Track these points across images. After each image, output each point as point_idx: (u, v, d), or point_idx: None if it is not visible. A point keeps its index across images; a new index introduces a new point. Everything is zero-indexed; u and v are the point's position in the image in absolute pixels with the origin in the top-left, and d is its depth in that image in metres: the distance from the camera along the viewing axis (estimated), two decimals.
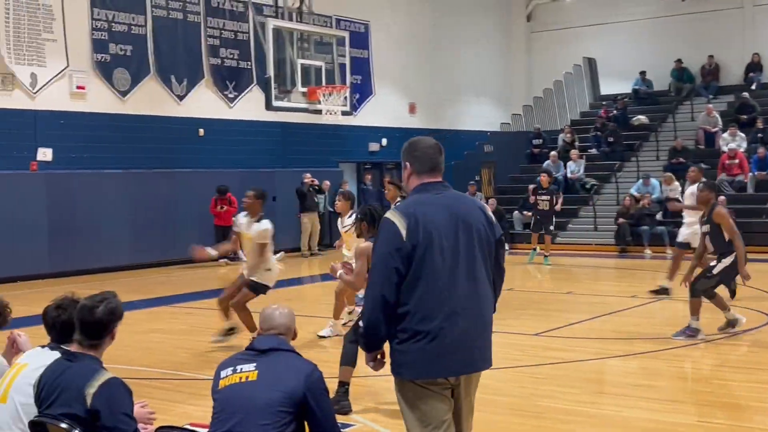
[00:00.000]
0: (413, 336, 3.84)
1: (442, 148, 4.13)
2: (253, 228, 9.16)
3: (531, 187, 18.56)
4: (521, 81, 28.35)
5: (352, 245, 9.05)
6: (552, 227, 17.66)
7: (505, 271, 4.21)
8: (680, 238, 12.69)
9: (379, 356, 4.03)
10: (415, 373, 3.88)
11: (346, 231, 9.68)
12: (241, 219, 9.41)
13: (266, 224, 9.16)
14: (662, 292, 12.40)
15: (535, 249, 17.58)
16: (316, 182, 20.26)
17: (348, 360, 6.73)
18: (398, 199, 10.37)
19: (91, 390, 3.67)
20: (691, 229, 12.15)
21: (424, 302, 3.82)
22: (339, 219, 10.02)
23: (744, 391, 7.22)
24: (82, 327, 3.90)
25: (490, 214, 4.14)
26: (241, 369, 3.83)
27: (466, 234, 3.92)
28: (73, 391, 3.70)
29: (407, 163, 4.11)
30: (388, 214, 3.95)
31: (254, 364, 3.83)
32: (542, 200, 17.40)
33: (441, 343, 3.84)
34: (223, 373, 3.89)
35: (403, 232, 3.81)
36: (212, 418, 3.84)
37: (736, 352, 8.73)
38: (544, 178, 17.80)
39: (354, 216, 8.96)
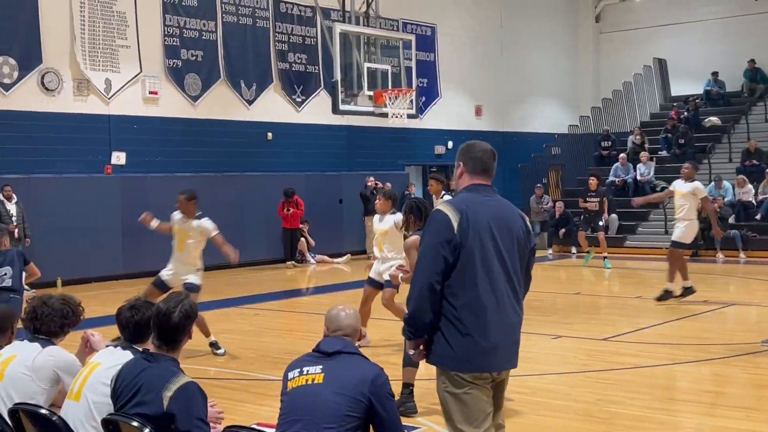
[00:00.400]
0: (463, 329, 3.95)
1: (496, 154, 4.29)
2: (193, 224, 9.25)
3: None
4: (589, 82, 27.99)
5: (393, 244, 9.04)
6: (602, 223, 17.44)
7: (531, 279, 4.36)
8: (675, 237, 12.48)
9: (421, 347, 4.11)
10: (465, 366, 3.98)
11: (386, 230, 9.32)
12: (177, 216, 9.53)
13: (207, 222, 9.37)
14: (665, 296, 12.03)
15: (589, 252, 17.52)
16: (380, 185, 20.29)
17: (411, 361, 6.71)
18: (443, 193, 10.37)
19: (168, 393, 3.73)
20: (683, 226, 12.22)
21: (475, 297, 3.95)
22: (376, 218, 9.58)
23: None
24: (160, 333, 3.97)
25: (529, 223, 4.31)
26: (308, 371, 3.84)
27: (508, 237, 4.09)
28: (151, 392, 3.77)
29: (461, 163, 4.27)
30: (441, 207, 4.08)
31: (321, 367, 3.83)
32: (591, 202, 17.43)
33: (489, 338, 3.97)
34: (290, 375, 3.90)
35: (455, 225, 3.96)
36: (278, 419, 3.87)
37: None
38: (592, 181, 17.78)
39: (396, 215, 8.91)
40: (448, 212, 4.01)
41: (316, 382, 3.79)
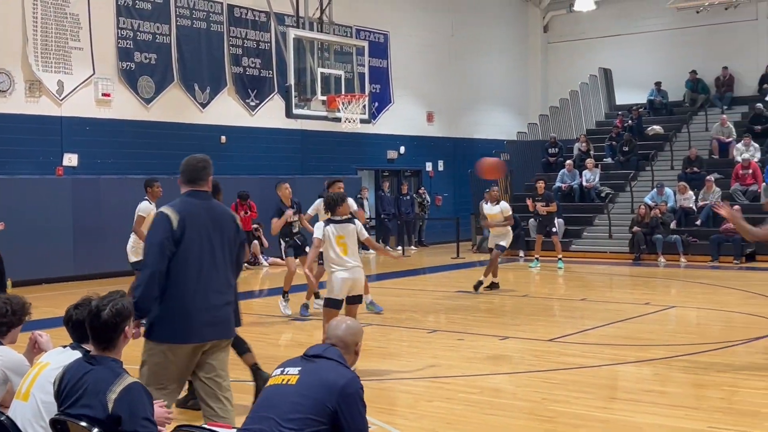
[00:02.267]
0: (170, 308, 4.88)
1: (208, 165, 5.22)
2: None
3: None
4: (537, 91, 28.32)
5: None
6: (555, 229, 17.78)
7: (242, 268, 5.47)
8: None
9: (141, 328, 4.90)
10: (164, 337, 4.90)
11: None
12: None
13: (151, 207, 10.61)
14: (478, 285, 13.83)
15: (537, 259, 17.84)
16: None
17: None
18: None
19: (112, 395, 3.67)
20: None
21: (185, 280, 4.87)
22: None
23: (756, 397, 7.15)
24: (92, 332, 3.89)
25: (239, 222, 5.31)
26: (288, 371, 3.88)
27: (219, 234, 5.05)
28: (94, 395, 3.70)
29: (180, 175, 5.16)
30: (163, 209, 5.00)
31: (300, 369, 3.86)
32: (540, 206, 17.73)
33: (190, 317, 4.91)
34: (274, 372, 3.96)
35: (175, 223, 4.88)
36: (249, 411, 3.89)
37: (748, 359, 8.65)
38: (540, 185, 18.18)
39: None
40: (170, 213, 4.93)
41: (289, 382, 3.81)
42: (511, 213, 14.55)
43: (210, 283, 4.95)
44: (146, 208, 10.96)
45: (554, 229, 17.73)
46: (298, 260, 11.65)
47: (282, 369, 3.91)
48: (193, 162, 5.20)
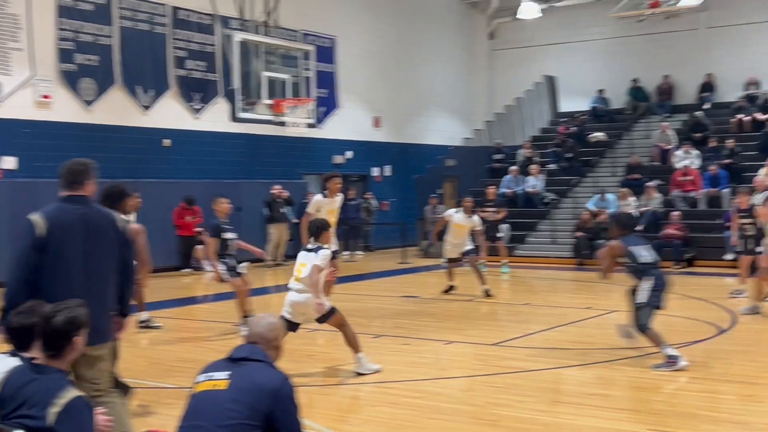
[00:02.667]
0: None
1: (88, 169, 5.15)
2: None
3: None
4: (483, 97, 28.56)
5: None
6: (501, 234, 17.92)
7: (131, 268, 5.32)
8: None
9: None
10: None
11: None
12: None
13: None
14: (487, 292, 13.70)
15: (484, 264, 17.69)
16: (285, 194, 20.25)
17: None
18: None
19: (55, 408, 3.59)
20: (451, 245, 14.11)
21: (51, 284, 4.72)
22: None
23: (694, 400, 7.30)
24: (44, 338, 3.82)
25: (121, 224, 5.20)
26: (215, 376, 3.82)
27: (94, 239, 4.94)
28: (36, 405, 3.61)
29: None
30: (30, 215, 4.92)
31: (228, 373, 3.81)
32: (489, 211, 17.71)
33: None
34: (200, 378, 3.89)
35: (43, 228, 4.81)
36: (181, 420, 3.81)
37: (688, 362, 8.80)
38: (490, 190, 18.23)
39: None
40: (36, 219, 4.86)
41: (219, 388, 3.76)
42: (482, 228, 14.34)
43: (81, 291, 4.70)
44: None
45: (499, 235, 17.89)
46: (240, 280, 10.93)
47: (207, 375, 3.85)
48: (71, 165, 5.13)
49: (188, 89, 19.51)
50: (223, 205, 11.16)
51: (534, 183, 22.12)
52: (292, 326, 8.17)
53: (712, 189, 20.00)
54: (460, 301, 13.88)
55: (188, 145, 19.43)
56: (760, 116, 22.28)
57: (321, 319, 8.24)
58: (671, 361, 8.28)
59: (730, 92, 24.34)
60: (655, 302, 8.52)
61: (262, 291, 14.17)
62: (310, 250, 8.22)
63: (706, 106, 24.07)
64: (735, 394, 7.53)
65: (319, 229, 8.28)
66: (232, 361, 3.86)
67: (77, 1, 17.37)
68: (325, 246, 8.33)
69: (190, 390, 3.90)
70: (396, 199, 24.98)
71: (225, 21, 18.13)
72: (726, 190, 19.76)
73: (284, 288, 15.40)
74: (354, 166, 23.95)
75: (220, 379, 3.78)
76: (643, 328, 8.48)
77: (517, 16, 26.18)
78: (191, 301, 14.60)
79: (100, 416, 4.12)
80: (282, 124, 16.03)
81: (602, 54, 26.55)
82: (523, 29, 27.52)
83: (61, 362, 3.85)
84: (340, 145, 23.43)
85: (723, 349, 9.46)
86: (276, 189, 19.76)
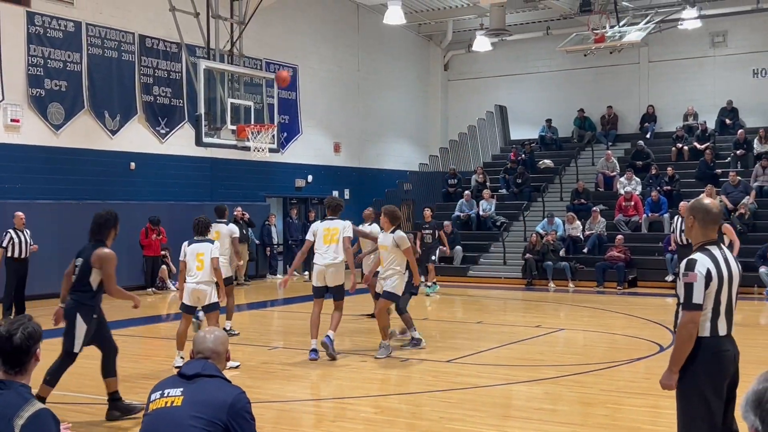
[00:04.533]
0: None
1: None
2: None
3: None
4: (438, 125, 28.78)
5: (394, 258, 9.99)
6: (435, 258, 17.69)
7: None
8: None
9: None
10: None
11: (387, 245, 10.16)
12: None
13: None
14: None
15: (435, 283, 17.71)
16: (247, 216, 20.16)
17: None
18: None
19: (19, 421, 3.51)
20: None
21: None
22: (380, 235, 10.52)
23: (638, 414, 7.38)
24: (3, 356, 3.74)
25: None
26: (168, 393, 3.73)
27: None
28: (2, 419, 3.54)
29: None
30: None
31: (181, 389, 3.73)
32: (426, 233, 17.51)
33: None
34: (153, 396, 3.79)
35: None
36: None
37: (631, 378, 8.93)
38: (427, 213, 17.99)
39: (397, 233, 10.02)
40: None
41: (174, 404, 3.68)
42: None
43: None
44: None
45: (433, 258, 17.59)
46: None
47: (161, 392, 3.78)
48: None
49: (154, 114, 19.38)
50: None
51: (486, 207, 22.29)
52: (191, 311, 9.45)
53: (653, 214, 20.34)
54: (416, 319, 13.88)
55: (154, 168, 19.26)
56: (698, 146, 22.74)
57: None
58: (415, 342, 10.51)
59: (670, 123, 24.86)
60: (410, 290, 10.75)
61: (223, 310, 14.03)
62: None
63: (648, 135, 24.51)
64: (674, 408, 7.62)
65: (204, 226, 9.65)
66: (185, 377, 3.80)
67: (47, 29, 17.19)
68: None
69: (145, 409, 3.82)
70: (355, 222, 24.88)
71: (191, 49, 18.05)
72: (666, 215, 20.12)
73: (245, 307, 15.24)
74: (314, 189, 23.94)
75: (175, 396, 3.72)
76: (402, 311, 10.59)
77: (471, 49, 26.48)
78: (156, 319, 14.42)
79: (65, 430, 4.05)
80: (246, 148, 15.97)
81: (550, 85, 26.96)
82: (476, 61, 27.84)
83: (24, 377, 3.77)
84: (302, 169, 23.41)
85: (664, 366, 9.54)
86: (238, 211, 19.66)
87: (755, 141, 21.85)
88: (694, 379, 4.46)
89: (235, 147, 16.27)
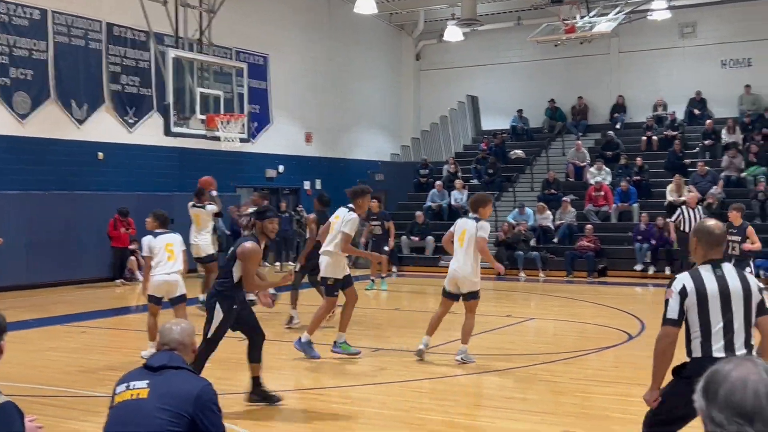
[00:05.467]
0: None
1: None
2: None
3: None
4: (410, 115, 28.78)
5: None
6: (387, 248, 16.48)
7: None
8: None
9: None
10: None
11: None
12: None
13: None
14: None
15: (373, 280, 16.62)
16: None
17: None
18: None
19: None
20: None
21: None
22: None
23: (606, 402, 7.46)
24: None
25: None
26: (134, 386, 3.70)
27: None
28: None
29: None
30: None
31: (147, 382, 3.71)
32: (374, 225, 16.63)
33: None
34: (118, 389, 3.76)
35: None
36: None
37: (600, 367, 9.02)
38: (374, 204, 16.12)
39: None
40: None
41: (140, 397, 3.66)
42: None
43: None
44: None
45: (386, 248, 16.79)
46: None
47: (126, 384, 3.76)
48: None
49: (122, 104, 19.17)
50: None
51: (458, 197, 22.36)
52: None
53: (622, 204, 20.53)
54: (386, 310, 13.93)
55: (122, 158, 19.07)
56: (669, 133, 22.88)
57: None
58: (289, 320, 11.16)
59: (639, 113, 25.08)
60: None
61: (193, 302, 13.97)
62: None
63: (618, 126, 24.71)
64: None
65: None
66: (151, 369, 3.78)
67: (12, 16, 16.92)
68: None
69: (111, 401, 3.78)
70: (326, 212, 24.89)
71: (159, 38, 17.87)
72: (635, 205, 20.33)
73: None
74: (286, 180, 23.85)
75: (141, 389, 3.69)
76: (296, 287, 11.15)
77: (442, 39, 26.49)
78: (124, 311, 14.31)
79: (31, 423, 4.00)
80: (215, 138, 15.87)
81: (521, 76, 27.05)
82: (447, 51, 27.85)
83: None
84: (273, 160, 23.31)
85: (632, 354, 9.69)
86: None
87: (723, 131, 22.11)
88: (685, 387, 4.45)
89: (204, 137, 16.18)
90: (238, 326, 7.27)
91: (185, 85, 15.41)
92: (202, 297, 13.06)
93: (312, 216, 11.66)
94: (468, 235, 8.97)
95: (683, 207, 16.60)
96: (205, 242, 13.00)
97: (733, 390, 1.98)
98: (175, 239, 9.56)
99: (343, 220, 9.26)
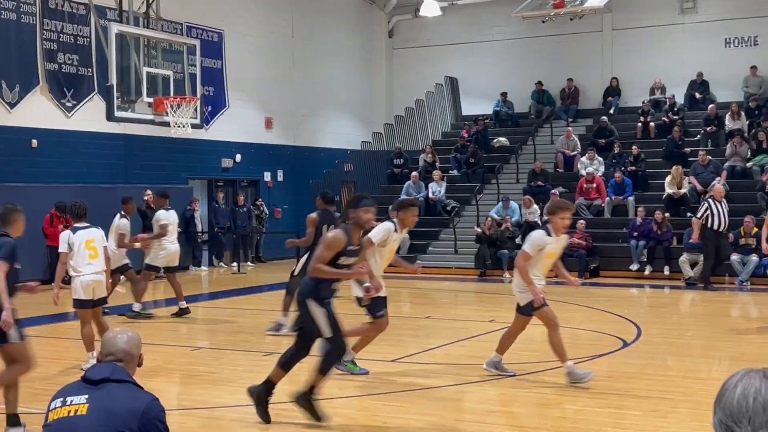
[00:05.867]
0: None
1: None
2: None
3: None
4: (382, 98, 28.78)
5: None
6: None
7: None
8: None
9: None
10: None
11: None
12: None
13: None
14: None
15: None
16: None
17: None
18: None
19: None
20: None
21: None
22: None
23: (599, 416, 7.51)
24: None
25: None
26: (71, 401, 3.66)
27: None
28: None
29: None
30: None
31: (86, 396, 3.66)
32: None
33: None
34: (52, 405, 3.71)
35: None
36: None
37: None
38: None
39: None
40: None
41: (79, 413, 3.62)
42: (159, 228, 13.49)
43: None
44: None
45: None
46: None
47: (62, 399, 3.71)
48: None
49: (59, 85, 18.96)
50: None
51: (435, 189, 22.41)
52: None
53: (616, 197, 20.69)
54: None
55: (59, 147, 18.88)
56: (668, 119, 23.04)
57: None
58: (277, 327, 11.33)
59: (635, 97, 25.28)
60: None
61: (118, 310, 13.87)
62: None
63: (612, 111, 24.89)
64: (639, 409, 7.78)
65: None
66: (90, 383, 3.73)
67: None
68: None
69: (45, 419, 3.74)
70: (289, 206, 24.90)
71: (101, 11, 17.72)
72: (631, 198, 20.48)
73: (168, 302, 15.08)
74: (244, 170, 23.75)
75: (79, 404, 3.65)
76: (291, 292, 10.80)
77: (418, 14, 26.52)
78: (62, 317, 14.16)
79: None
80: (165, 124, 15.78)
81: (506, 55, 27.15)
82: (423, 28, 27.89)
83: None
84: (229, 148, 23.21)
85: (628, 363, 9.78)
86: (147, 195, 19.23)
87: (727, 117, 22.33)
88: None
89: (152, 122, 16.08)
90: (301, 328, 7.27)
91: (130, 64, 15.29)
92: (137, 306, 13.17)
93: (313, 216, 11.43)
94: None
95: (710, 201, 16.68)
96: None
97: (726, 392, 2.20)
98: (96, 234, 9.60)
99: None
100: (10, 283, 6.83)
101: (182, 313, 13.28)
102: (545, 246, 8.61)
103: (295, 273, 11.30)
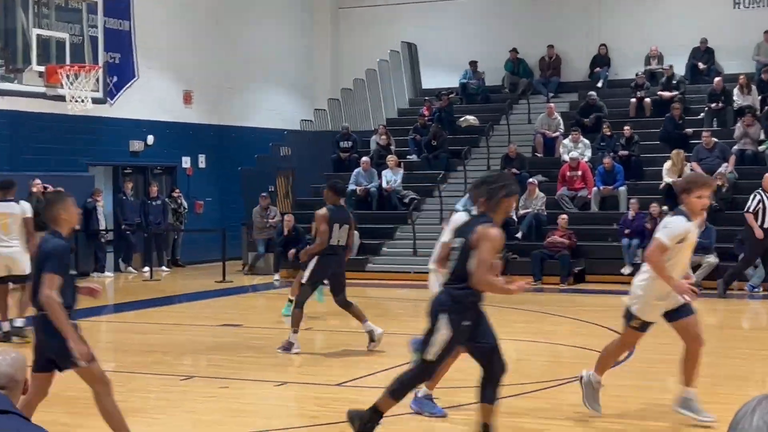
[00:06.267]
0: None
1: None
2: None
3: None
4: (326, 68, 28.72)
5: None
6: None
7: None
8: None
9: None
10: None
11: None
12: None
13: None
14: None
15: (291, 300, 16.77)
16: (50, 188, 19.60)
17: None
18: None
19: None
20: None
21: None
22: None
23: None
24: None
25: None
26: None
27: None
28: None
29: None
30: None
31: None
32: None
33: None
34: None
35: None
36: None
37: (577, 401, 9.10)
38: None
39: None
40: None
41: None
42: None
43: None
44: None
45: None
46: None
47: None
48: None
49: None
50: None
51: (391, 178, 22.41)
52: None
53: (605, 187, 20.82)
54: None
55: None
56: (666, 94, 23.24)
57: None
58: (287, 346, 11.42)
59: (627, 68, 25.50)
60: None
61: None
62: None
63: (600, 84, 25.08)
64: None
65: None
66: None
67: None
68: None
69: None
70: (213, 199, 24.76)
71: None
72: (622, 189, 20.63)
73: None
74: (157, 154, 23.56)
75: None
76: (300, 305, 11.57)
77: None
78: None
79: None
80: (59, 98, 15.61)
81: (474, 18, 27.19)
82: None
83: None
84: (139, 128, 23.01)
85: (618, 385, 9.84)
86: (36, 185, 18.88)
87: (735, 91, 22.57)
88: None
89: (44, 96, 15.91)
90: (469, 349, 7.18)
91: (17, 25, 15.12)
92: (19, 321, 12.39)
93: (323, 212, 11.30)
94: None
95: (761, 192, 16.74)
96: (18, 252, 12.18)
97: (741, 420, 2.38)
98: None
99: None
100: (67, 293, 6.61)
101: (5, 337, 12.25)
102: (687, 235, 7.96)
103: (303, 281, 11.74)
